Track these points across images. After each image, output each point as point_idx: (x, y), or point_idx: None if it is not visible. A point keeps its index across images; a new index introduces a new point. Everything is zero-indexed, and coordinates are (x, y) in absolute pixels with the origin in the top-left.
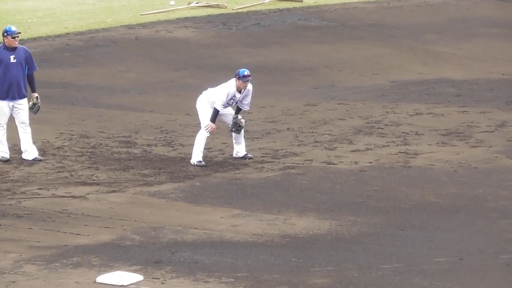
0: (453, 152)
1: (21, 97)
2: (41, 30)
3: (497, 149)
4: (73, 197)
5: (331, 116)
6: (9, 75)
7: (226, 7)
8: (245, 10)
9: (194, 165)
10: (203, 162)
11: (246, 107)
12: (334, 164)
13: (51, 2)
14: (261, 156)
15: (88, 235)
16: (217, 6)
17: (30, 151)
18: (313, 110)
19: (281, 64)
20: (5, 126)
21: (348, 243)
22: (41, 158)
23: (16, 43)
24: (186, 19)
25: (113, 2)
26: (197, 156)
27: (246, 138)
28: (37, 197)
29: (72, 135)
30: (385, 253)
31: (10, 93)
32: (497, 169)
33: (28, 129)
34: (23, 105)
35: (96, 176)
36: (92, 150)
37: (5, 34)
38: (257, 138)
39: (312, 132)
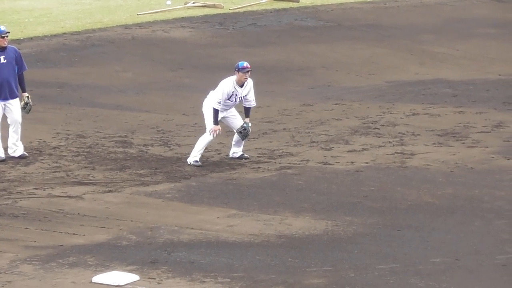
0: (449, 153)
1: (13, 97)
2: (37, 30)
3: (493, 149)
4: (69, 197)
5: (327, 116)
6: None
7: (222, 7)
8: (241, 10)
9: (190, 164)
10: (199, 162)
11: (253, 103)
12: (330, 164)
13: (48, 1)
14: (258, 156)
15: (84, 235)
16: (214, 6)
17: (16, 148)
18: (310, 110)
19: (278, 64)
20: None
21: (344, 243)
22: (27, 154)
23: (5, 42)
24: (183, 19)
25: (110, 2)
26: (194, 156)
27: None
28: (33, 197)
29: (69, 135)
30: (381, 253)
31: (1, 94)
32: (494, 170)
33: (19, 129)
34: (14, 105)
35: (92, 176)
36: (88, 150)
37: None
38: (253, 138)
39: (309, 132)
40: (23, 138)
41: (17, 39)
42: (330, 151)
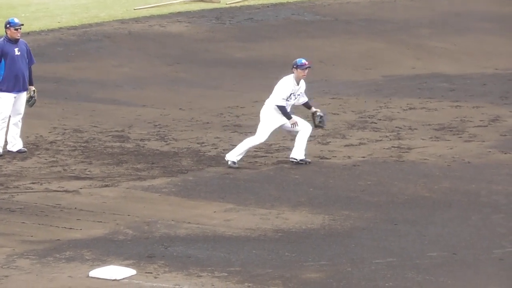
0: (446, 147)
1: (25, 89)
2: (34, 25)
3: (490, 143)
4: (66, 191)
5: (324, 110)
6: (15, 68)
7: (219, 2)
8: (238, 4)
9: (228, 161)
10: (236, 164)
11: (306, 98)
12: (327, 158)
13: None
14: (255, 151)
15: (81, 229)
16: (210, 1)
17: (15, 143)
18: None
19: (275, 59)
20: (7, 120)
21: (341, 238)
22: (25, 149)
23: (18, 35)
24: (179, 13)
25: None
26: (235, 156)
27: (240, 133)
28: (30, 192)
29: (66, 129)
30: (378, 247)
31: (16, 86)
32: (490, 164)
33: (20, 123)
34: (22, 98)
35: (89, 171)
36: (85, 144)
37: (8, 25)
38: (250, 132)
39: None
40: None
41: None
42: (327, 145)
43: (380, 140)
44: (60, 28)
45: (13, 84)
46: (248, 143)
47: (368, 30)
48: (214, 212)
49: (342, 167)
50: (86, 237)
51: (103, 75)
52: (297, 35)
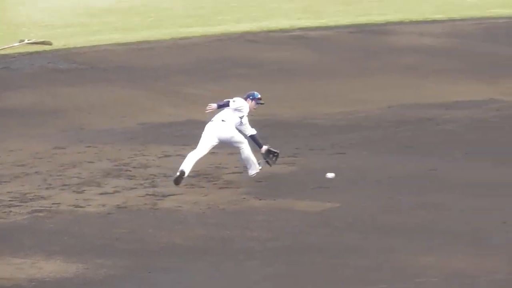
0: (201, 194)
1: None
2: None
3: (245, 190)
4: None
5: (80, 159)
6: None
7: None
8: None
9: (259, 168)
10: (260, 166)
11: (252, 131)
12: (82, 207)
13: None
14: (9, 200)
15: None
16: None
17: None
18: (62, 153)
19: (31, 107)
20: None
21: (94, 286)
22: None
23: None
24: None
25: None
26: (256, 164)
27: None
28: None
29: None
30: None
31: None
32: (245, 210)
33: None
34: None
35: None
36: None
37: None
38: (5, 181)
39: (61, 175)
40: None
41: None
42: (82, 193)
43: (135, 188)
44: None
45: None
46: (250, 153)
47: (125, 78)
48: None
49: (97, 215)
50: None
51: None
52: (53, 83)
